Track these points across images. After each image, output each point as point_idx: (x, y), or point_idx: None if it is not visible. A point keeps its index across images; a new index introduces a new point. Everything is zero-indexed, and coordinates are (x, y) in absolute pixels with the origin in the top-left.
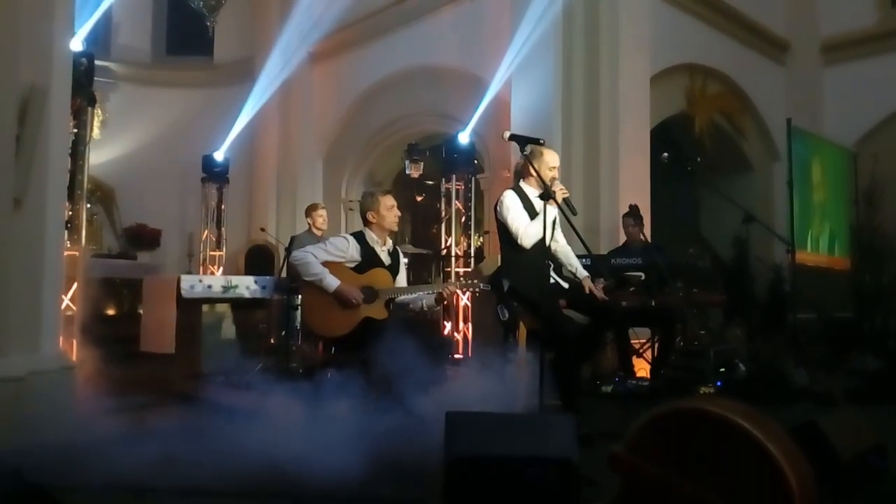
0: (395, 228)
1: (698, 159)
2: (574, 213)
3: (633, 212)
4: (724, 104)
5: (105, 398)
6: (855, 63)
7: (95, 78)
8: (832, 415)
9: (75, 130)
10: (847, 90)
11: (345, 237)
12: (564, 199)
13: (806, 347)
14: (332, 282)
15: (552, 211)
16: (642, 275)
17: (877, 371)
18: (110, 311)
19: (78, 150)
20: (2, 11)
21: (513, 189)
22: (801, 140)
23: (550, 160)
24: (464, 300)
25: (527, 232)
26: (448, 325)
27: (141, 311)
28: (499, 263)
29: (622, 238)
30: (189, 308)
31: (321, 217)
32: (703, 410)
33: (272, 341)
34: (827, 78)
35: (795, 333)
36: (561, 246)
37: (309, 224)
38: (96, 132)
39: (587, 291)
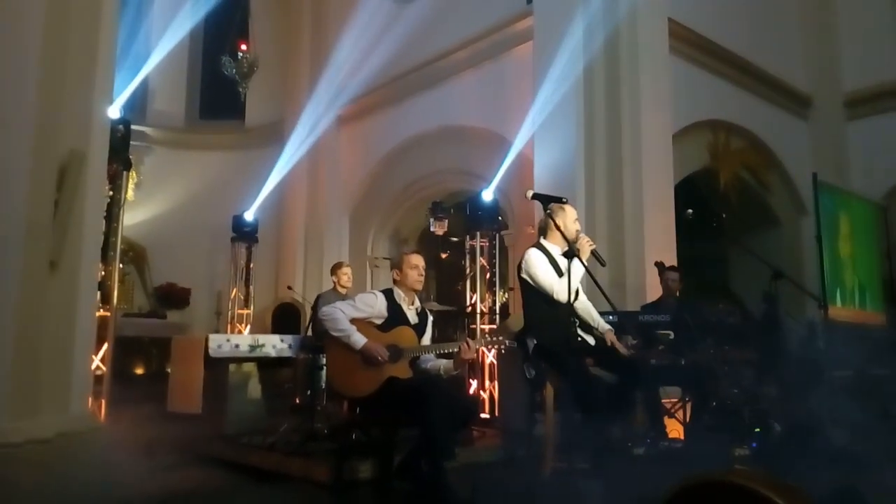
0: (418, 288)
1: (724, 215)
2: (603, 264)
3: (673, 267)
4: (749, 159)
5: (131, 459)
6: (879, 117)
7: (131, 142)
8: (873, 477)
9: (111, 193)
10: (872, 144)
11: (374, 293)
12: (592, 251)
13: (843, 406)
14: (359, 339)
15: (579, 269)
16: (671, 333)
17: None
18: (139, 371)
19: (112, 212)
20: (48, 81)
21: (535, 247)
22: (827, 194)
23: (573, 214)
24: (490, 358)
25: (562, 287)
26: (474, 384)
27: (169, 371)
28: (523, 321)
29: (648, 295)
30: (216, 367)
31: (346, 275)
32: (733, 483)
33: (297, 401)
34: (851, 132)
35: (832, 391)
36: (581, 302)
37: (334, 282)
38: (130, 194)
39: (609, 344)
